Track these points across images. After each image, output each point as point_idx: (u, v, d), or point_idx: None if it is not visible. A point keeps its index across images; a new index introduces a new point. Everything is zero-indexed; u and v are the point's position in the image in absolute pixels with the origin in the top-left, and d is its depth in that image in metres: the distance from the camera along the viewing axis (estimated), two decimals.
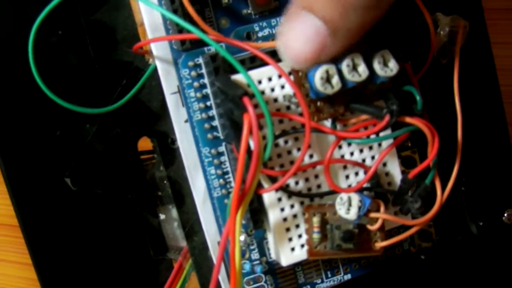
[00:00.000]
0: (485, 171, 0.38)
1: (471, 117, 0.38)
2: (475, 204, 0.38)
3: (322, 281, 0.34)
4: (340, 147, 0.32)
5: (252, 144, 0.28)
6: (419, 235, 0.35)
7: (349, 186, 0.32)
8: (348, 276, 0.34)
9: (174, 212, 0.35)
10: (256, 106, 0.29)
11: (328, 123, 0.31)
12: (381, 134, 0.31)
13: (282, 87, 0.31)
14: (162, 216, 0.35)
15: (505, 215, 0.39)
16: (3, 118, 0.32)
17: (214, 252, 0.34)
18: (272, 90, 0.31)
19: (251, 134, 0.28)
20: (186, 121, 0.33)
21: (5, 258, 0.56)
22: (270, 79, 0.31)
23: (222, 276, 0.35)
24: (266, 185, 0.30)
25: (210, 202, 0.33)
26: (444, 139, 0.32)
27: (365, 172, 0.32)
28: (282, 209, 0.31)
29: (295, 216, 0.31)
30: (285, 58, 0.28)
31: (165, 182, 0.34)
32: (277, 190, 0.31)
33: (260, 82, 0.30)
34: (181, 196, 0.34)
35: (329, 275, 0.34)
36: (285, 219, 0.31)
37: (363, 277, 0.37)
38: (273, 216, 0.31)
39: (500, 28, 0.53)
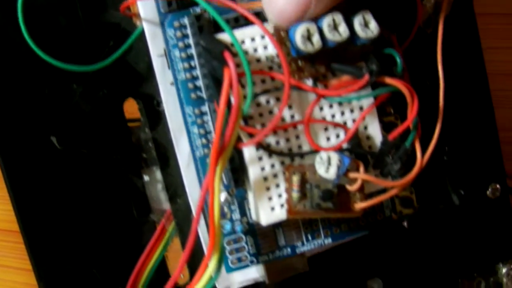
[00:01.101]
0: (470, 145, 0.39)
1: (457, 93, 0.38)
2: (457, 174, 0.38)
3: (303, 244, 0.34)
4: (321, 108, 0.32)
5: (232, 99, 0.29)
6: (400, 202, 0.35)
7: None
8: (328, 240, 0.34)
9: (158, 175, 0.35)
10: (239, 65, 0.29)
11: (309, 82, 0.31)
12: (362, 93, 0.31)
13: (265, 47, 0.31)
14: (146, 178, 0.35)
15: (489, 189, 0.39)
16: None
17: None
18: (255, 50, 0.31)
19: (232, 89, 0.28)
20: (172, 84, 0.33)
21: (5, 263, 0.56)
22: (253, 40, 0.31)
23: (204, 239, 0.35)
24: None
25: (194, 165, 0.34)
26: (429, 109, 0.33)
27: (346, 134, 0.32)
28: (263, 168, 0.32)
29: (275, 175, 0.32)
30: (269, 15, 0.29)
31: (150, 144, 0.35)
32: (258, 148, 0.31)
33: (243, 42, 0.31)
34: (166, 158, 0.35)
35: (310, 238, 0.34)
36: (265, 178, 0.32)
37: (346, 245, 0.37)
38: (254, 174, 0.31)
39: (492, 33, 0.53)
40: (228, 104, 0.29)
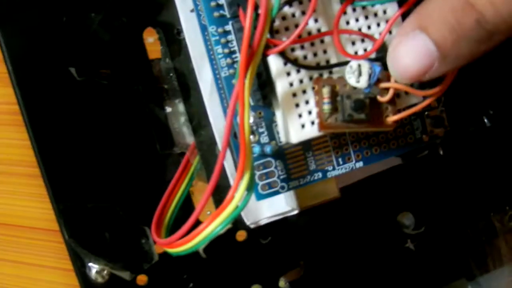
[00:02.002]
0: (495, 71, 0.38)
1: None
2: (485, 98, 0.37)
3: (334, 168, 0.33)
4: (347, 22, 0.31)
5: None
6: (431, 122, 0.34)
7: None
8: (360, 164, 0.33)
9: (180, 107, 0.34)
10: None
11: None
12: None
13: None
14: (168, 109, 0.34)
15: None
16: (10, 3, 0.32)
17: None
18: None
19: None
20: (192, 11, 0.33)
21: (44, 263, 0.55)
22: None
23: (231, 172, 0.34)
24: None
25: (217, 94, 0.33)
26: None
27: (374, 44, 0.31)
28: (291, 84, 0.31)
29: (304, 91, 0.31)
30: (391, 71, 0.29)
31: (171, 74, 0.34)
32: (285, 62, 0.30)
33: None
34: (188, 88, 0.34)
35: (341, 162, 0.33)
36: (294, 94, 0.31)
37: (376, 177, 0.37)
38: (282, 89, 0.30)
39: None
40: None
